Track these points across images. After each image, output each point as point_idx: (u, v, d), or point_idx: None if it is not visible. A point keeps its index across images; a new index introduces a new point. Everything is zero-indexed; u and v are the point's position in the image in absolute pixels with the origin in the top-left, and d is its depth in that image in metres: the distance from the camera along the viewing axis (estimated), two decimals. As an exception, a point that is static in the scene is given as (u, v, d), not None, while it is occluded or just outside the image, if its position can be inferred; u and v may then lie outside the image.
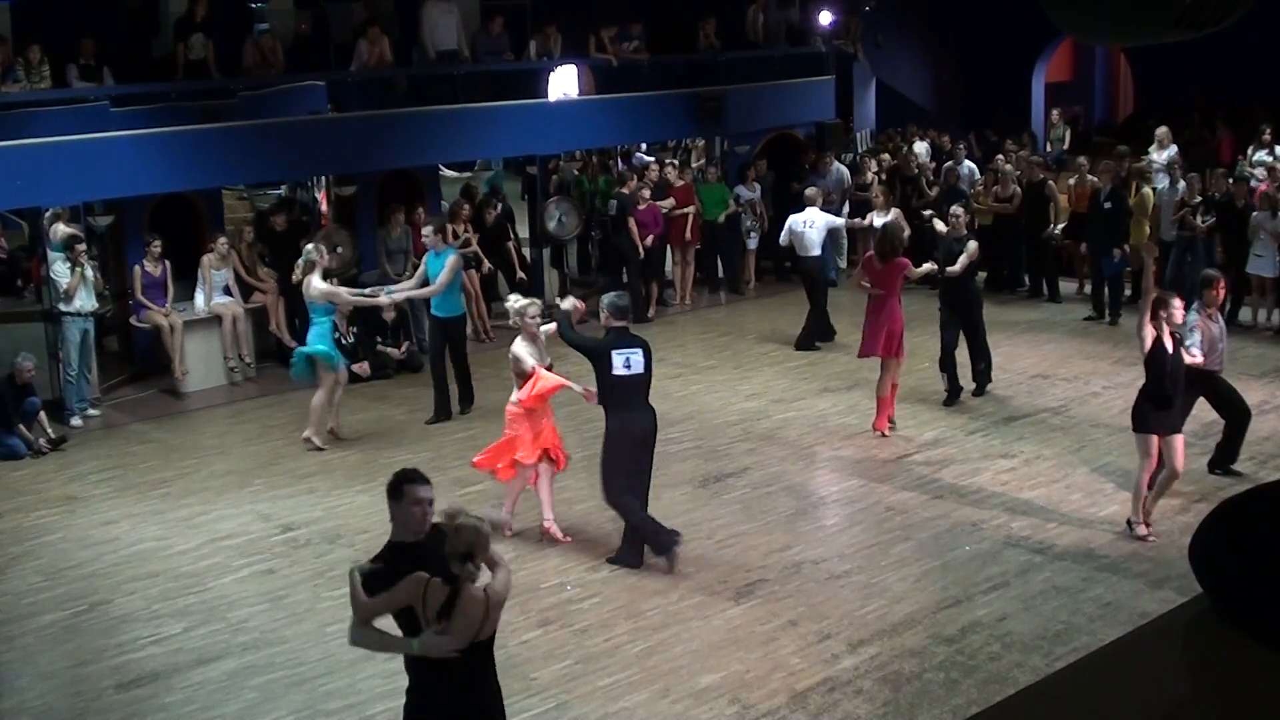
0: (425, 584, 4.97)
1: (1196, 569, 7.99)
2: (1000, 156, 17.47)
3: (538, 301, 9.38)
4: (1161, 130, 17.27)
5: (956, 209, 12.47)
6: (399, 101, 15.45)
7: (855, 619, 7.87)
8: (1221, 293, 9.76)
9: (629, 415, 8.56)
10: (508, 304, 9.50)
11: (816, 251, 14.31)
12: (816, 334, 14.40)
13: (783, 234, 14.61)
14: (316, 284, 11.23)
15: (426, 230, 12.24)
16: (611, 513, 9.58)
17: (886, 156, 18.85)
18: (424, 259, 12.14)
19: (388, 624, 5.18)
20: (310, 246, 11.52)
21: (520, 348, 9.03)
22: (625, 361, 8.44)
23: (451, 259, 11.82)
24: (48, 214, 13.01)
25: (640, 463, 8.67)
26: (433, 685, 5.11)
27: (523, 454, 9.03)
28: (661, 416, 11.87)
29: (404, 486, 5.28)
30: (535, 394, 8.86)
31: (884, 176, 17.82)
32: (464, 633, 4.98)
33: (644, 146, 20.50)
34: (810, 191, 14.76)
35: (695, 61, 18.06)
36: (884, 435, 11.25)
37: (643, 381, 8.57)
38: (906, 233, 12.13)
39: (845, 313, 14.90)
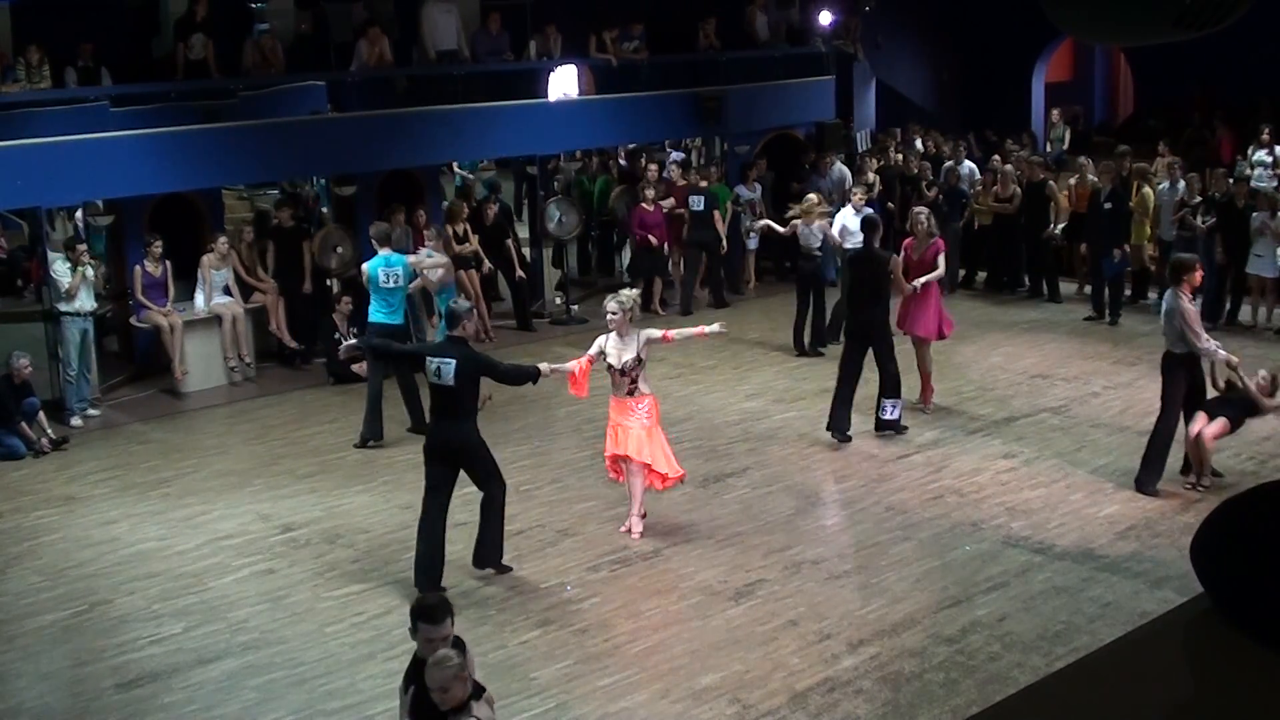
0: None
1: (1198, 567, 8.00)
2: (996, 157, 17.45)
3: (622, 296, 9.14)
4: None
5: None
6: (399, 101, 15.44)
7: (855, 619, 7.87)
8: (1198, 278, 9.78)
9: (433, 423, 8.56)
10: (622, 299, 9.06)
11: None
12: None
13: (836, 227, 14.07)
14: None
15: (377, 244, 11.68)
16: (612, 512, 9.63)
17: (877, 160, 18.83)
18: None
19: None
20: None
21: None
22: (436, 369, 8.28)
23: (413, 257, 11.62)
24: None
25: (431, 475, 8.48)
26: None
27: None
28: (661, 417, 11.93)
29: (418, 624, 5.22)
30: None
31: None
32: None
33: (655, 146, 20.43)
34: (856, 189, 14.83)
35: (695, 61, 18.06)
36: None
37: (450, 393, 8.29)
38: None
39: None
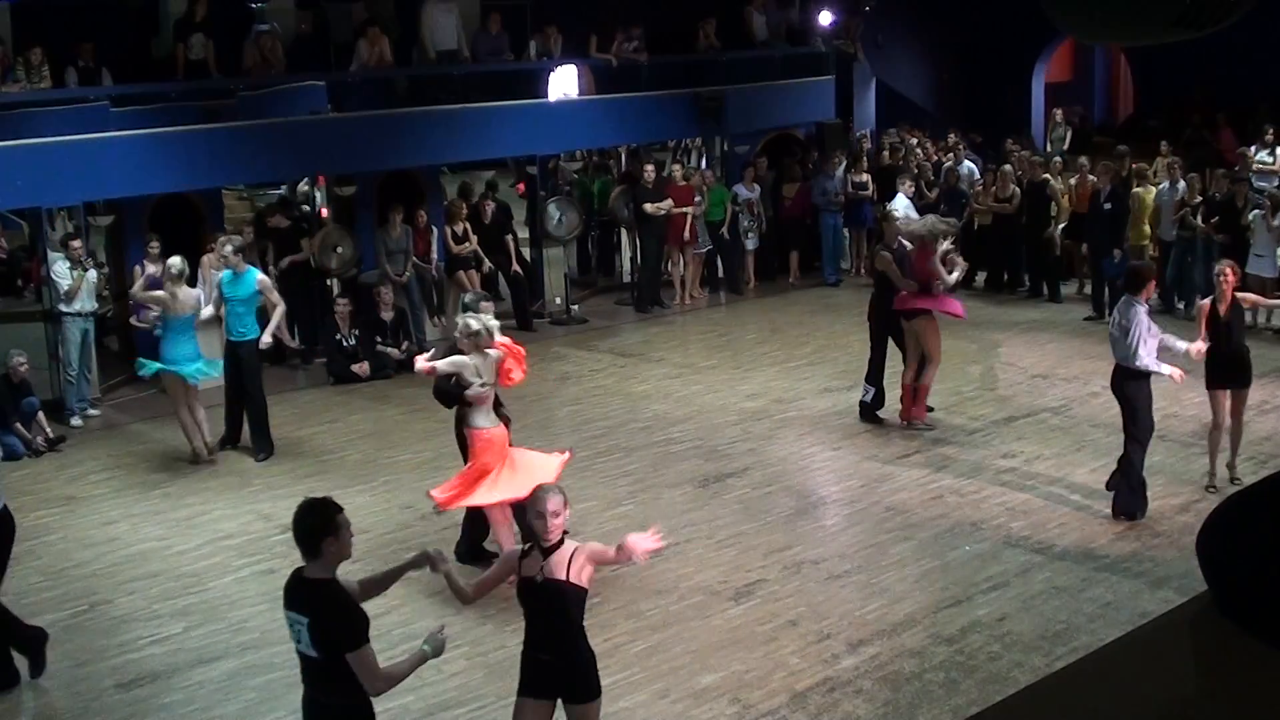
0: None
1: (1202, 559, 7.97)
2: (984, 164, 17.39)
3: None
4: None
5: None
6: (399, 101, 15.44)
7: (855, 619, 7.87)
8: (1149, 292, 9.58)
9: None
10: (475, 322, 8.22)
11: None
12: None
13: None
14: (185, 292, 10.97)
15: (226, 250, 11.19)
16: (611, 511, 9.63)
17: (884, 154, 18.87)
18: (219, 280, 11.27)
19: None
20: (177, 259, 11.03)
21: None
22: None
23: (263, 277, 11.28)
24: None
25: None
26: None
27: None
28: (661, 416, 11.96)
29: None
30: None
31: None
32: None
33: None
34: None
35: (695, 61, 18.06)
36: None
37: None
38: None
39: (847, 311, 14.96)
